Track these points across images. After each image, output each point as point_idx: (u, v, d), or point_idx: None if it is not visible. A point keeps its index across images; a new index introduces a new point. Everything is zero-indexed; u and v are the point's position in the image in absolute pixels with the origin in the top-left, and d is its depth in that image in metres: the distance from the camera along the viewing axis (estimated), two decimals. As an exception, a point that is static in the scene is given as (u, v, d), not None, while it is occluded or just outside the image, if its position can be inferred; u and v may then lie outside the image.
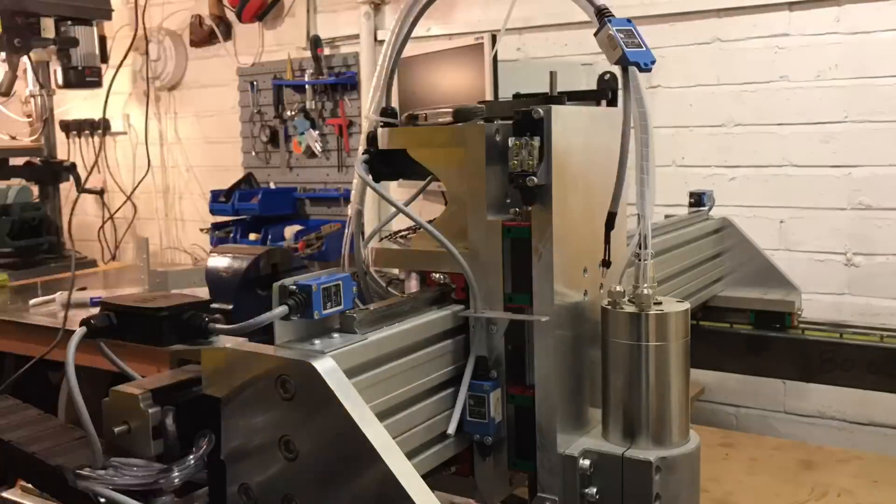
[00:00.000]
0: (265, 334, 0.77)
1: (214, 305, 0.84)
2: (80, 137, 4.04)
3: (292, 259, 1.02)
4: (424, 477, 0.72)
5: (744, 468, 1.77)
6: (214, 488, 0.79)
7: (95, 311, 0.81)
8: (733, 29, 2.55)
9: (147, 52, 3.92)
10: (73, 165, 3.44)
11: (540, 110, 0.87)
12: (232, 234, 3.33)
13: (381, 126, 0.99)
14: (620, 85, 0.88)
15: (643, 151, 0.89)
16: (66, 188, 3.51)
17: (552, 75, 0.95)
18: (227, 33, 3.74)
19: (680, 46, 2.62)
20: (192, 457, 0.75)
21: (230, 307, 0.91)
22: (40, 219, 3.40)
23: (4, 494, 1.62)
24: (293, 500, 0.74)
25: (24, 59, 3.08)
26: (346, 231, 1.04)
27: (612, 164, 0.98)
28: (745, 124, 2.56)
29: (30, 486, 1.57)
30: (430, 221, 0.95)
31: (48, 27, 2.99)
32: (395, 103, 1.03)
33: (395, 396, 0.85)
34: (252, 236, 3.28)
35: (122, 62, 3.69)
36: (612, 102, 1.00)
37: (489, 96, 2.50)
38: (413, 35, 1.04)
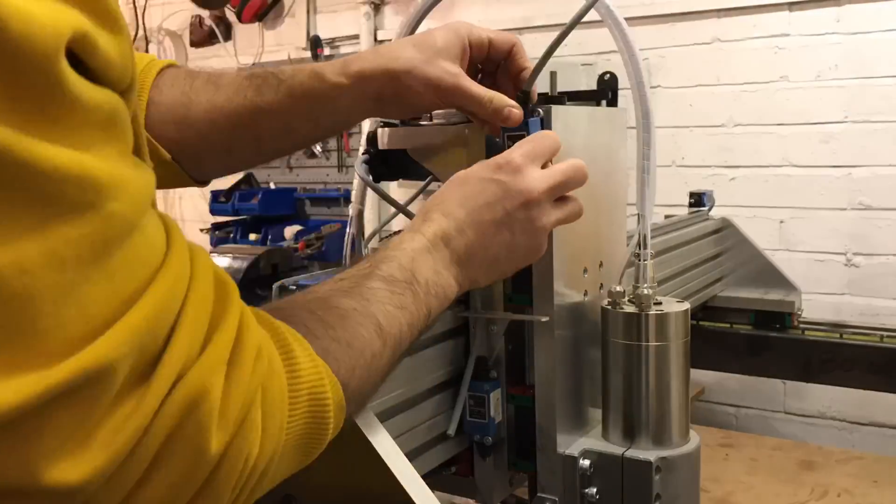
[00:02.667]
0: (265, 334, 0.76)
1: (214, 305, 0.84)
2: (80, 137, 4.04)
3: (292, 259, 1.03)
4: (424, 477, 0.72)
5: (744, 468, 1.78)
6: (214, 488, 0.79)
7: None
8: (733, 29, 2.55)
9: (147, 53, 3.92)
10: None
11: (540, 110, 0.87)
12: (232, 235, 3.33)
13: (382, 126, 0.99)
14: None
15: (645, 151, 0.89)
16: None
17: (552, 75, 0.95)
18: (227, 33, 3.74)
19: (680, 46, 2.62)
20: (192, 457, 0.75)
21: (230, 307, 0.91)
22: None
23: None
24: (293, 500, 0.74)
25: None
26: (348, 231, 1.04)
27: (612, 164, 0.98)
28: (745, 124, 2.56)
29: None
30: (430, 221, 0.95)
31: (48, 27, 2.98)
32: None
33: (394, 397, 0.85)
34: (252, 236, 3.28)
35: (122, 62, 3.68)
36: (613, 102, 1.00)
37: (489, 96, 2.49)
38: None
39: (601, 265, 0.97)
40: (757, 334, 1.83)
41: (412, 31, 1.01)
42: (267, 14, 3.58)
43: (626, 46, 0.88)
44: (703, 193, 1.92)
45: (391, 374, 0.70)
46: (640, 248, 0.90)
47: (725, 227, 1.91)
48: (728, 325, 1.86)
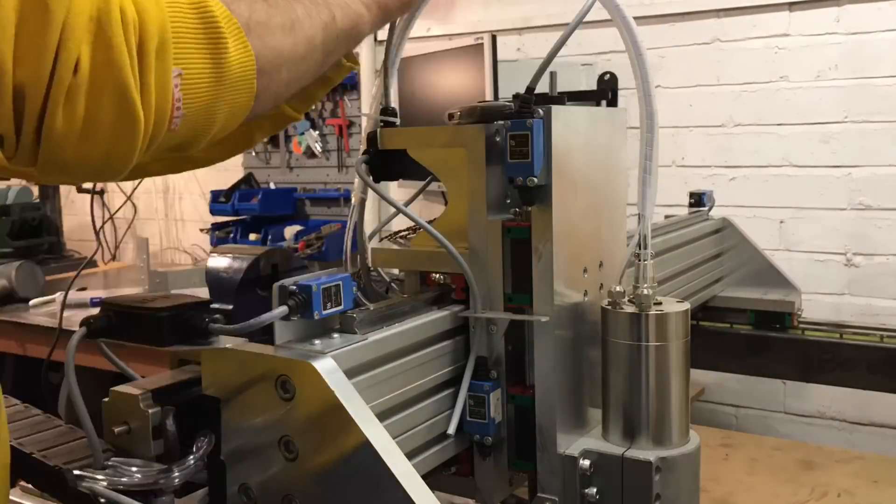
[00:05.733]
0: (265, 334, 0.77)
1: (214, 306, 0.84)
2: (80, 137, 4.03)
3: (292, 259, 1.02)
4: (424, 477, 0.72)
5: (744, 468, 1.78)
6: (214, 488, 0.79)
7: (96, 311, 0.81)
8: (733, 29, 2.55)
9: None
10: (73, 165, 3.44)
11: (540, 110, 0.87)
12: (232, 235, 3.33)
13: (382, 126, 0.99)
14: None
15: (647, 151, 0.89)
16: (66, 188, 3.50)
17: (552, 75, 0.95)
18: (227, 33, 3.73)
19: (680, 46, 2.62)
20: (192, 457, 0.75)
21: (230, 307, 0.91)
22: (40, 219, 3.40)
23: (5, 495, 1.62)
24: (293, 500, 0.74)
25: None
26: (349, 223, 1.04)
27: (612, 163, 0.99)
28: (745, 124, 2.57)
29: (30, 486, 1.57)
30: (430, 221, 0.95)
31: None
32: (394, 103, 1.03)
33: (395, 396, 0.85)
34: (252, 236, 3.28)
35: (122, 62, 3.68)
36: (613, 102, 1.00)
37: (489, 97, 2.50)
38: (413, 35, 1.04)
39: (601, 265, 0.97)
40: (757, 334, 1.83)
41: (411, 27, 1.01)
42: (267, 14, 3.58)
43: (634, 46, 0.88)
44: (703, 193, 1.92)
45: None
46: (640, 248, 0.90)
47: (725, 227, 1.91)
48: (728, 325, 1.86)
